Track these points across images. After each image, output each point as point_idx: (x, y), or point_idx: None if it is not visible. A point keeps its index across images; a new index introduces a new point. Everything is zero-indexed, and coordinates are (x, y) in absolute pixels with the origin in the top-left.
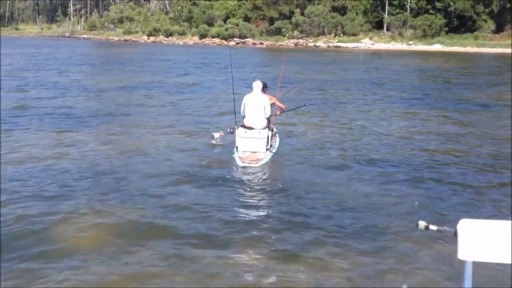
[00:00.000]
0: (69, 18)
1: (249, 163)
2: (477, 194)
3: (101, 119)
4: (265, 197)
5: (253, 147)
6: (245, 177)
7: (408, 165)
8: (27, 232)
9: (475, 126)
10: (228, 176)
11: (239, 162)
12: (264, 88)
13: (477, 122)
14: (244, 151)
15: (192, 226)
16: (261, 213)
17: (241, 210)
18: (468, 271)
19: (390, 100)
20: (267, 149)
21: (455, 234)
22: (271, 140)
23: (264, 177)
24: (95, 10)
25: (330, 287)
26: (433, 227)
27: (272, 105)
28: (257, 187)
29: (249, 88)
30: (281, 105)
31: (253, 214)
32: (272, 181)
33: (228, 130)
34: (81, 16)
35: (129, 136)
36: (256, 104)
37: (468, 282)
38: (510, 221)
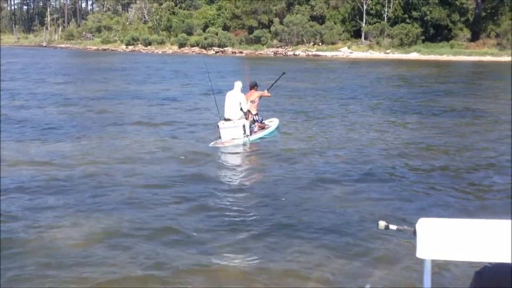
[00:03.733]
0: (46, 28)
1: (217, 145)
2: (442, 195)
3: (80, 129)
4: (239, 202)
5: (230, 135)
6: (222, 177)
7: (377, 168)
8: (10, 239)
9: (449, 133)
10: (205, 176)
11: (210, 144)
12: (255, 86)
13: (451, 129)
14: (225, 139)
15: (171, 229)
16: (237, 214)
17: (218, 210)
18: (427, 269)
19: (366, 107)
20: (244, 136)
21: (414, 233)
22: (251, 129)
23: (242, 180)
24: (72, 20)
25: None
26: (393, 227)
27: (260, 97)
28: (236, 190)
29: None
30: (268, 94)
31: (232, 214)
32: (250, 184)
33: (216, 125)
34: (58, 26)
35: (108, 143)
36: (233, 100)
37: (427, 279)
38: (466, 219)
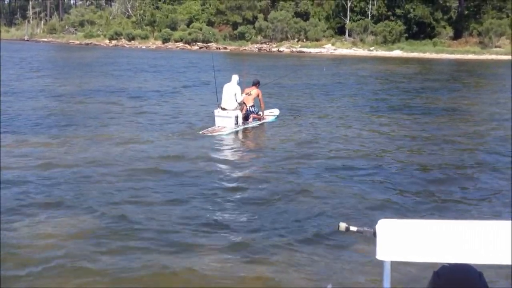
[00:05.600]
0: (28, 21)
1: (206, 133)
2: (413, 195)
3: (63, 125)
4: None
5: (223, 123)
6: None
7: (355, 165)
8: None
9: (429, 131)
10: (192, 173)
11: (200, 132)
12: (257, 84)
13: (431, 127)
14: (218, 126)
15: (154, 227)
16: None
17: (203, 205)
18: (387, 271)
19: (350, 104)
20: (236, 126)
21: (374, 234)
22: (244, 120)
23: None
24: (55, 13)
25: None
26: (353, 228)
27: (256, 97)
28: (215, 184)
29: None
30: (262, 102)
31: (207, 210)
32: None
33: (213, 111)
34: (40, 19)
35: (92, 139)
36: (229, 91)
37: (386, 281)
38: (426, 220)
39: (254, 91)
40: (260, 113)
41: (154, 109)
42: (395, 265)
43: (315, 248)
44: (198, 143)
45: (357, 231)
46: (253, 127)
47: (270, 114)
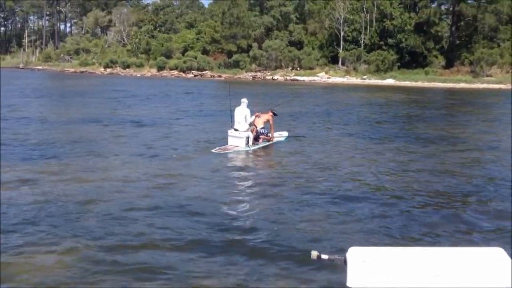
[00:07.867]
0: (24, 49)
1: (219, 151)
2: (393, 222)
3: (60, 152)
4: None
5: (235, 143)
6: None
7: (338, 194)
8: None
9: (420, 159)
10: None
11: (213, 150)
12: (273, 111)
13: (422, 155)
14: (231, 145)
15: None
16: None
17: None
18: None
19: (344, 132)
20: (246, 146)
21: (345, 262)
22: (254, 141)
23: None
24: (50, 42)
25: None
26: (324, 256)
27: (267, 121)
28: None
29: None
30: (272, 127)
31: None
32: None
33: (227, 132)
34: (36, 47)
35: (91, 167)
36: (240, 114)
37: None
38: (396, 248)
39: (266, 116)
40: (270, 134)
41: (169, 132)
42: None
43: (287, 277)
44: (211, 160)
45: (328, 259)
46: (263, 147)
47: (279, 136)
